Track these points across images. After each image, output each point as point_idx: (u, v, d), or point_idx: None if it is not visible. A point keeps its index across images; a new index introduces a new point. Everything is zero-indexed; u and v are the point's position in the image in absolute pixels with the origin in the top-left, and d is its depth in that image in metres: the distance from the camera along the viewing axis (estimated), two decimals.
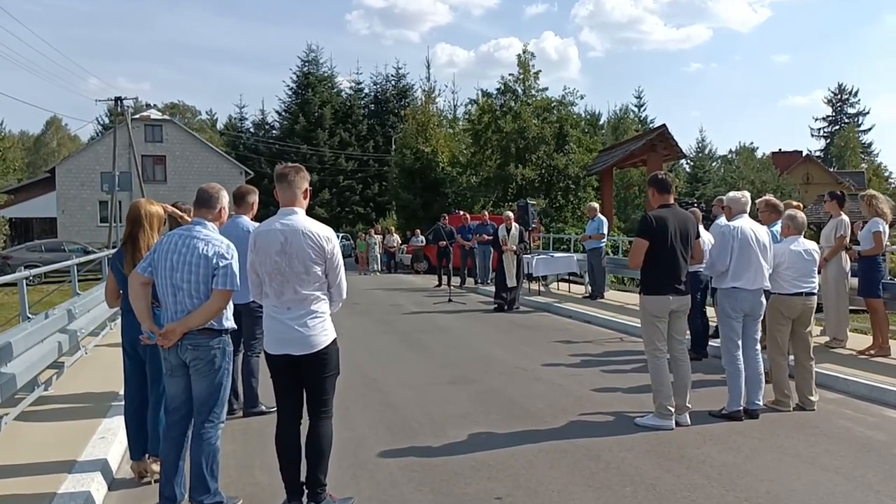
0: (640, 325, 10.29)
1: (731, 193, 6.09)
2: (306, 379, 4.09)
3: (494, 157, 30.62)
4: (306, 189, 4.13)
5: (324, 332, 4.06)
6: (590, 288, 14.27)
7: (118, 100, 38.42)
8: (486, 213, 20.29)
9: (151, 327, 4.10)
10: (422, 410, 6.27)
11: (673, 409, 5.58)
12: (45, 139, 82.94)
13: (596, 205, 14.03)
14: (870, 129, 72.03)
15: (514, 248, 13.21)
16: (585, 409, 6.19)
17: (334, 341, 4.13)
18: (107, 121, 58.45)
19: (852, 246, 7.95)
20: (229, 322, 4.21)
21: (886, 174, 64.88)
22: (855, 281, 7.94)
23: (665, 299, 5.55)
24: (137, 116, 48.48)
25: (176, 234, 4.10)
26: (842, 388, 6.81)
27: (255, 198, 6.31)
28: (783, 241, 6.13)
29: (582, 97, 39.24)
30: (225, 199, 4.34)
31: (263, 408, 6.18)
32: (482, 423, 5.85)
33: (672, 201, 5.69)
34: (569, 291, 15.49)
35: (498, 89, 31.76)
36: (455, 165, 32.78)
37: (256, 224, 5.17)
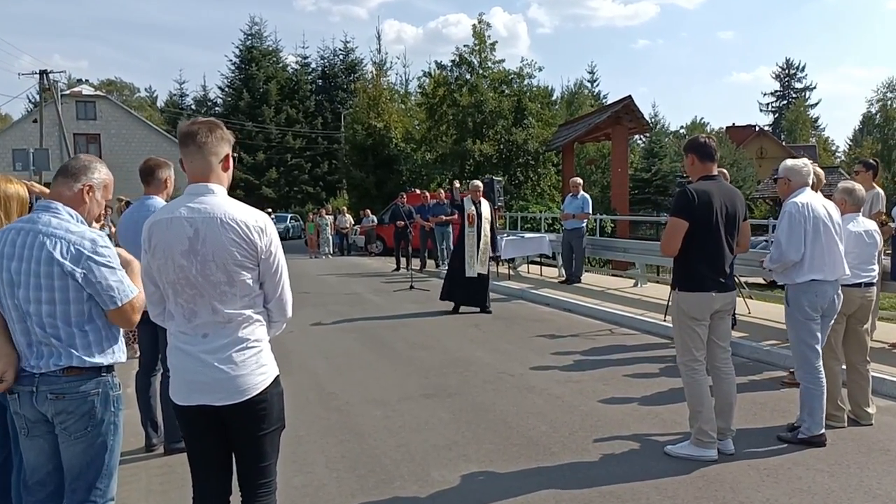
0: (630, 316, 9.48)
1: (790, 162, 4.88)
2: (235, 440, 2.75)
3: (450, 132, 29.25)
4: (227, 156, 2.77)
5: (259, 369, 2.72)
6: (564, 271, 13.11)
7: (43, 73, 35.73)
8: (443, 191, 18.93)
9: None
10: (395, 439, 4.96)
11: (715, 435, 4.40)
12: None
13: (580, 180, 12.76)
14: (817, 104, 72.89)
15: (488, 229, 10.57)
16: (599, 432, 4.97)
17: (276, 381, 2.79)
18: (39, 98, 55.13)
19: (891, 222, 6.90)
20: (112, 356, 2.84)
21: (833, 148, 65.67)
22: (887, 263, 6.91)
23: (707, 297, 4.34)
24: (68, 92, 45.65)
25: (14, 229, 2.70)
26: (888, 392, 5.76)
27: (168, 173, 4.89)
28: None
29: (540, 69, 37.91)
30: (97, 173, 2.93)
31: None
32: (474, 457, 4.58)
33: (716, 172, 4.46)
34: (540, 275, 14.32)
35: (453, 61, 30.30)
36: (409, 141, 31.26)
37: None
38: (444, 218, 16.46)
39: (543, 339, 8.38)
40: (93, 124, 46.39)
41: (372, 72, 40.26)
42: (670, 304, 4.56)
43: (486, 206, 10.63)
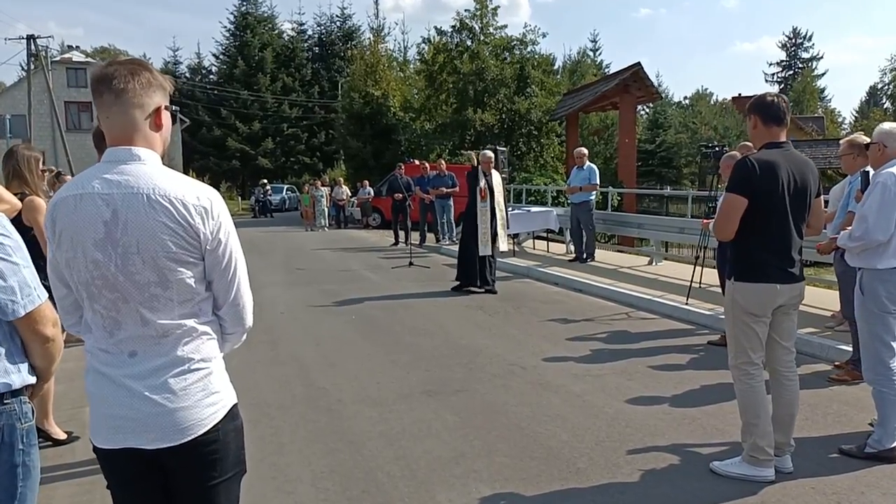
0: (648, 297, 8.75)
1: (887, 126, 4.11)
2: (178, 493, 2.05)
3: (450, 101, 28.28)
4: (160, 109, 2.02)
5: (206, 399, 2.01)
6: (572, 248, 12.37)
7: (30, 38, 34.56)
8: (444, 161, 18.10)
9: None
10: (393, 449, 4.26)
11: (772, 452, 3.70)
12: None
13: (585, 150, 11.91)
14: (824, 74, 71.47)
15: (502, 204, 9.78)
16: (630, 442, 4.27)
17: (232, 414, 2.08)
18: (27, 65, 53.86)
19: None
20: (20, 375, 2.13)
21: (840, 120, 64.54)
22: None
23: (770, 289, 3.60)
24: (59, 59, 44.48)
25: None
26: None
27: None
28: None
29: (544, 35, 36.82)
30: None
31: None
32: (485, 473, 3.88)
33: (785, 138, 3.69)
34: (548, 251, 13.57)
35: (453, 27, 29.14)
36: (408, 110, 30.26)
37: None
38: (445, 190, 15.71)
39: (555, 323, 7.67)
40: (84, 92, 44.92)
41: (369, 38, 39.10)
42: (725, 296, 3.81)
43: (496, 178, 9.77)
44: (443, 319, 8.02)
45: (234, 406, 2.09)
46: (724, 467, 3.79)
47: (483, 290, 9.57)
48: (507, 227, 9.98)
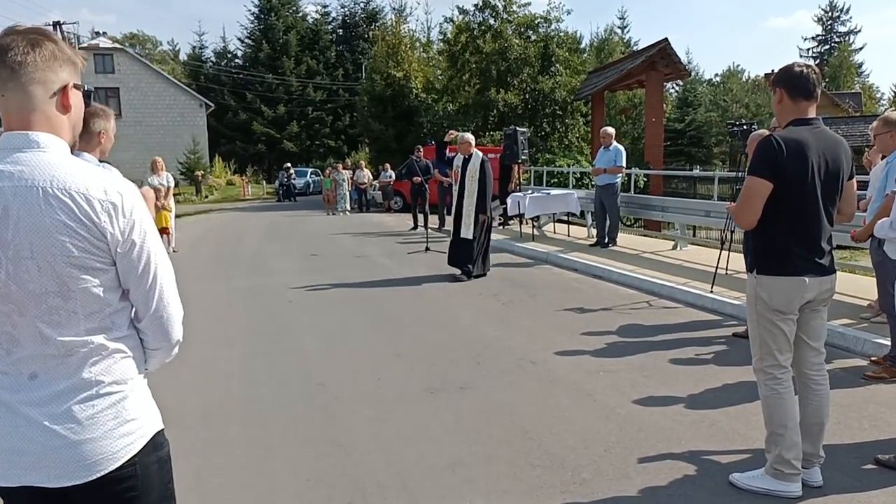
0: (671, 285, 8.33)
1: None
2: None
3: (473, 81, 27.77)
4: (67, 86, 1.71)
5: (120, 429, 1.71)
6: (594, 232, 11.95)
7: (56, 24, 34.69)
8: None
9: None
10: (385, 454, 3.97)
11: (799, 465, 3.33)
12: None
13: (612, 130, 11.42)
14: (861, 49, 69.22)
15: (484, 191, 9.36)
16: (642, 448, 3.93)
17: (154, 444, 1.79)
18: None
19: None
20: None
21: (878, 95, 62.57)
22: None
23: (797, 283, 3.22)
24: (86, 45, 44.70)
25: None
26: None
27: (105, 125, 3.89)
28: None
29: (569, 12, 36.00)
30: None
31: None
32: (482, 484, 3.57)
33: (814, 114, 3.28)
34: (568, 236, 13.16)
35: (476, 6, 28.53)
36: (430, 92, 29.80)
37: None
38: None
39: (571, 313, 7.31)
40: (111, 77, 45.39)
41: (391, 19, 38.60)
42: (747, 290, 3.44)
43: (474, 162, 9.44)
44: (454, 308, 7.70)
45: (158, 434, 1.80)
46: (746, 480, 3.44)
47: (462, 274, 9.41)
48: (483, 213, 9.43)
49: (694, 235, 12.78)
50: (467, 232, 9.36)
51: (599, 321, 6.93)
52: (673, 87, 51.97)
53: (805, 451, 3.37)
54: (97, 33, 54.42)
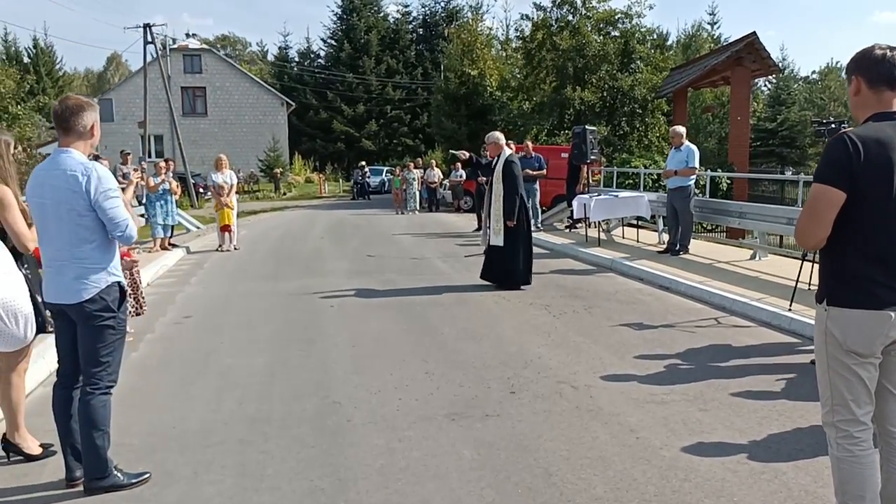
0: (744, 301, 7.53)
1: None
2: None
3: (549, 79, 26.97)
4: None
5: None
6: (665, 238, 11.12)
7: (146, 27, 35.86)
8: (529, 143, 17.08)
9: None
10: (385, 493, 3.48)
11: None
12: (106, 76, 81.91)
13: (682, 129, 10.57)
14: None
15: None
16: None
17: None
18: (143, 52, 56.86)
19: None
20: None
21: None
22: None
23: (880, 318, 2.54)
24: (175, 46, 46.30)
25: None
26: None
27: (94, 117, 3.60)
28: None
29: (651, 7, 34.66)
30: None
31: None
32: None
33: None
34: (637, 241, 12.34)
35: (554, 2, 27.71)
36: (505, 90, 29.19)
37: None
38: (531, 173, 14.70)
39: (628, 329, 6.63)
40: (199, 78, 46.87)
41: (469, 17, 38.16)
42: (815, 324, 2.77)
43: (500, 162, 8.80)
44: (500, 320, 7.14)
45: None
46: None
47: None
48: (510, 219, 8.64)
49: (781, 245, 11.68)
50: (496, 239, 8.73)
51: (658, 340, 6.23)
52: (765, 85, 49.44)
53: None
54: (187, 35, 56.39)
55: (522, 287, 8.67)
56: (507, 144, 16.26)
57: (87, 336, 3.48)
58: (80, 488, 3.61)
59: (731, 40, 29.10)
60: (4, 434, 4.02)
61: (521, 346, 6.12)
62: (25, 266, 4.00)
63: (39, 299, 3.88)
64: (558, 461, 3.80)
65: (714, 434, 4.12)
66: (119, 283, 3.57)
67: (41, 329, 4.00)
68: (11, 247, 3.95)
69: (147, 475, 3.69)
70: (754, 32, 19.13)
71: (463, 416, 4.49)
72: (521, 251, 8.68)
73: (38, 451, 4.04)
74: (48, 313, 3.83)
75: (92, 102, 3.57)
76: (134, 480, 3.63)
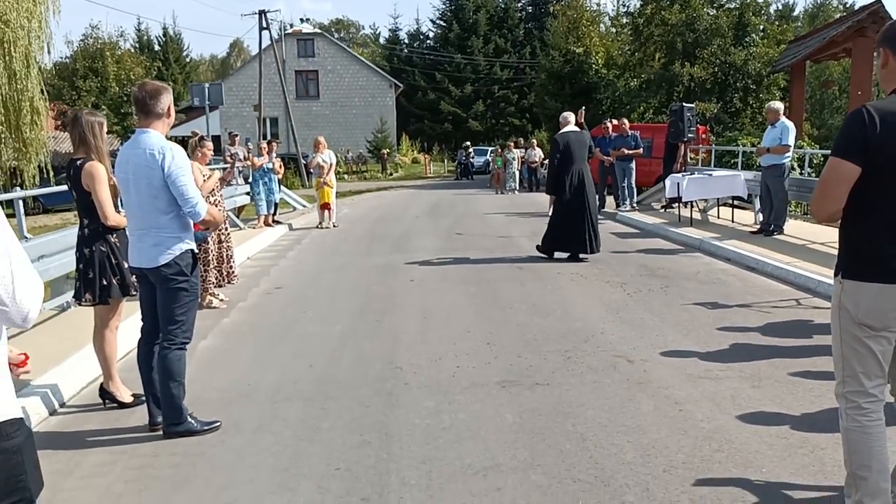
0: (829, 282, 7.18)
1: None
2: None
3: (658, 55, 26.13)
4: None
5: None
6: (760, 218, 10.73)
7: (261, 13, 37.53)
8: (626, 121, 16.67)
9: None
10: (424, 449, 3.74)
11: None
12: (229, 61, 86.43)
13: (779, 105, 10.09)
14: None
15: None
16: (709, 472, 3.35)
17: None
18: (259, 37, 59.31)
19: None
20: None
21: None
22: None
23: (893, 291, 2.53)
24: (290, 31, 48.11)
25: None
26: None
27: (169, 99, 4.00)
28: None
29: None
30: None
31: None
32: (508, 494, 3.23)
33: None
34: (732, 221, 11.95)
35: None
36: (611, 67, 28.54)
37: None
38: (627, 151, 14.49)
39: (700, 308, 6.55)
40: (312, 62, 48.45)
41: None
42: (832, 298, 2.77)
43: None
44: (572, 296, 7.23)
45: (6, 424, 1.70)
46: None
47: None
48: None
49: None
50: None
51: (729, 319, 6.14)
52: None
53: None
54: (301, 20, 58.30)
55: (582, 257, 9.10)
56: (604, 124, 16.04)
57: (164, 297, 3.92)
58: (160, 432, 4.08)
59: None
60: (102, 383, 4.57)
61: (586, 321, 6.21)
62: (115, 235, 4.49)
63: (126, 265, 4.37)
64: (595, 428, 3.92)
65: (761, 409, 4.11)
66: (192, 250, 3.99)
67: (126, 292, 4.49)
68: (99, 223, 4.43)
69: (218, 423, 4.11)
70: (879, 1, 17.77)
71: (514, 384, 4.67)
72: (573, 223, 9.06)
73: (129, 399, 4.57)
74: (133, 278, 4.32)
75: (166, 87, 3.98)
76: (206, 427, 4.06)
